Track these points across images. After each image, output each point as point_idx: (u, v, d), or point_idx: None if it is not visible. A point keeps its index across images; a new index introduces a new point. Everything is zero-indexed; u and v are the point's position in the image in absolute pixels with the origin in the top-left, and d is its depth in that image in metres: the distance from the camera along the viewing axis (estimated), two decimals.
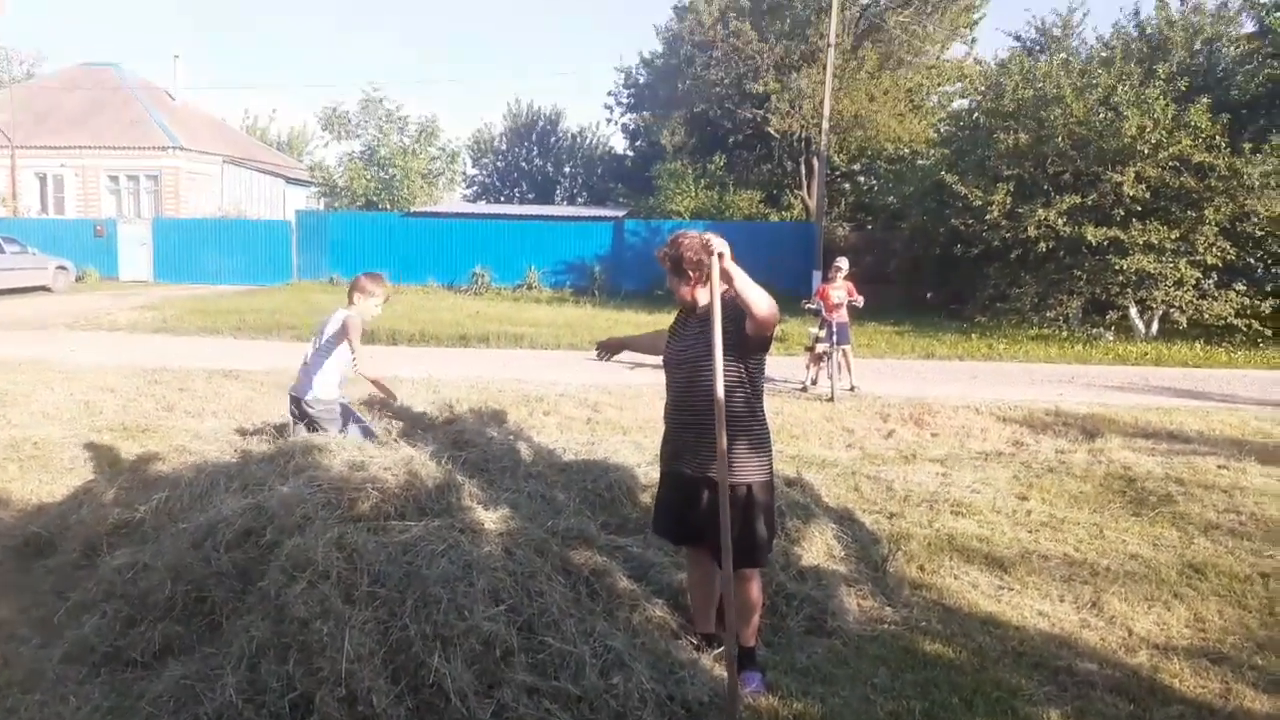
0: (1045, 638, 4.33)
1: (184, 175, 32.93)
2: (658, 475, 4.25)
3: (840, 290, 11.20)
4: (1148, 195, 16.77)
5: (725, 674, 3.78)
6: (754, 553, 3.76)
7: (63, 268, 25.38)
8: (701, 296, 3.79)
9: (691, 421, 3.77)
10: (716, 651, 3.95)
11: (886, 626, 4.41)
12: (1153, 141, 16.55)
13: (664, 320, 4.13)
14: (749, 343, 3.66)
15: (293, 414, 6.08)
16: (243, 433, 7.13)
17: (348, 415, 6.05)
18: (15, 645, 4.02)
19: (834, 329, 10.84)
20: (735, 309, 3.63)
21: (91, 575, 4.46)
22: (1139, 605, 4.70)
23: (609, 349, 4.48)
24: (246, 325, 16.73)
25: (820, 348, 11.01)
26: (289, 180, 40.21)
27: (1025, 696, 3.74)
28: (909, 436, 8.68)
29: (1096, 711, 3.64)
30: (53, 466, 6.84)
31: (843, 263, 11.55)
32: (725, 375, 3.58)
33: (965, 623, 4.47)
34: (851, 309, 11.30)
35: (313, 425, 5.86)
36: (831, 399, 10.33)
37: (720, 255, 3.42)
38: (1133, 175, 16.64)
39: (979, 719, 3.54)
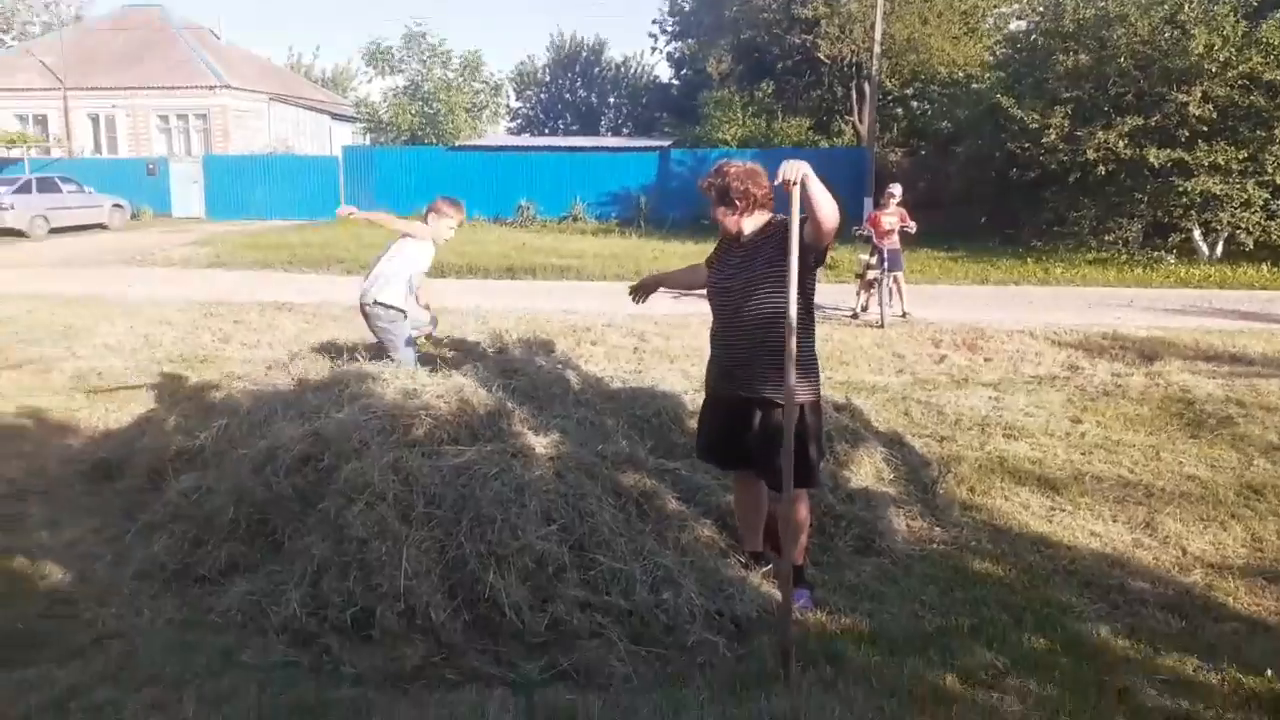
0: (1097, 557, 4.30)
1: (231, 113, 33.14)
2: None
3: (892, 216, 11.01)
4: (1214, 115, 16.13)
5: (773, 591, 3.83)
6: (808, 473, 3.77)
7: (118, 206, 25.87)
8: (747, 225, 3.75)
9: (741, 347, 3.75)
10: (765, 569, 4.00)
11: (936, 546, 4.42)
12: (1221, 60, 15.86)
13: (709, 251, 4.07)
14: (804, 255, 3.58)
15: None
16: (289, 359, 7.27)
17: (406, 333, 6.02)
18: (90, 562, 4.19)
19: (885, 255, 10.71)
20: (784, 237, 3.57)
21: (158, 498, 4.62)
22: (1194, 525, 4.64)
23: (644, 290, 4.46)
24: (297, 259, 16.96)
25: (871, 274, 10.89)
26: (334, 116, 40.28)
27: (1075, 613, 3.73)
28: (961, 362, 8.58)
29: (1147, 628, 3.63)
30: (117, 396, 7.06)
31: (895, 189, 11.34)
32: (774, 301, 3.58)
33: (1015, 542, 4.46)
34: (904, 235, 11.12)
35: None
36: (882, 325, 10.24)
37: (805, 177, 3.30)
38: (1199, 95, 15.99)
39: (1028, 634, 3.54)
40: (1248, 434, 6.06)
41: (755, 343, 3.69)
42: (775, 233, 3.68)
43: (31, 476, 5.35)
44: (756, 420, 3.75)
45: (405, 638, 3.33)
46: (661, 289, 4.51)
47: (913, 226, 11.17)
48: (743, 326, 3.72)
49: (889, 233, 10.87)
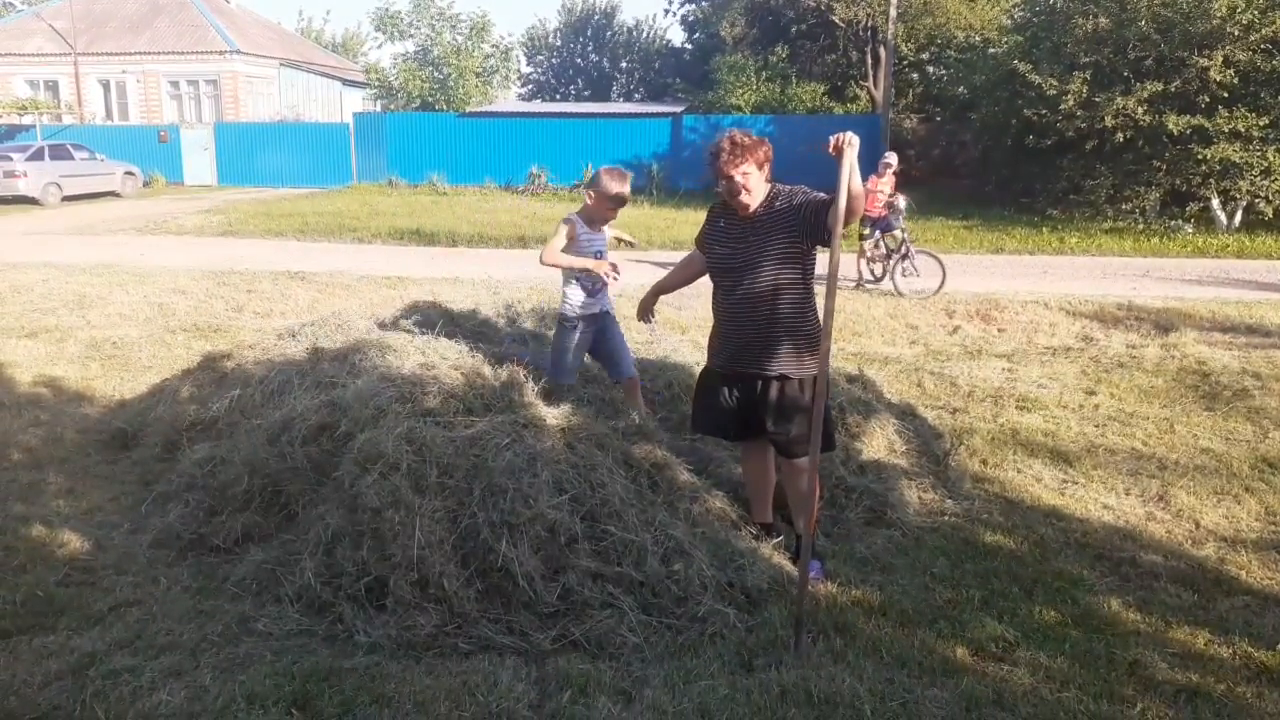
0: (1109, 530, 4.30)
1: (242, 79, 32.99)
2: None
3: (887, 185, 11.01)
4: (1236, 81, 15.85)
5: (784, 563, 3.84)
6: (827, 439, 3.83)
7: (130, 173, 25.88)
8: (756, 197, 3.67)
9: (749, 323, 3.72)
10: (775, 540, 4.01)
11: (947, 518, 4.42)
12: (1244, 22, 15.57)
13: None
14: (820, 234, 3.55)
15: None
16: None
17: (570, 334, 4.98)
18: (107, 531, 4.24)
19: (873, 223, 10.88)
20: (793, 213, 3.61)
21: (173, 468, 4.66)
22: (1208, 499, 4.63)
23: (646, 309, 4.43)
24: (309, 228, 16.95)
25: (867, 245, 11.03)
26: (345, 82, 40.06)
27: (1087, 586, 3.74)
28: (975, 332, 8.54)
29: (1159, 601, 3.63)
30: (132, 365, 7.10)
31: (891, 158, 11.38)
32: (783, 276, 3.61)
33: (1027, 515, 4.46)
34: (900, 202, 11.03)
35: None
36: (899, 294, 10.27)
37: (851, 144, 3.21)
38: (1221, 59, 15.72)
39: (1039, 607, 3.55)
40: (1263, 407, 6.02)
41: (764, 319, 3.67)
42: (780, 207, 3.66)
43: (49, 445, 5.40)
44: (770, 394, 3.74)
45: (418, 607, 3.36)
46: (662, 297, 4.43)
47: (900, 200, 11.05)
48: (750, 302, 3.70)
49: (877, 201, 10.90)
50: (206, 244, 15.50)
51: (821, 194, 3.61)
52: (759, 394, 3.77)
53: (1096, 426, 5.73)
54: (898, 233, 10.83)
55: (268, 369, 5.38)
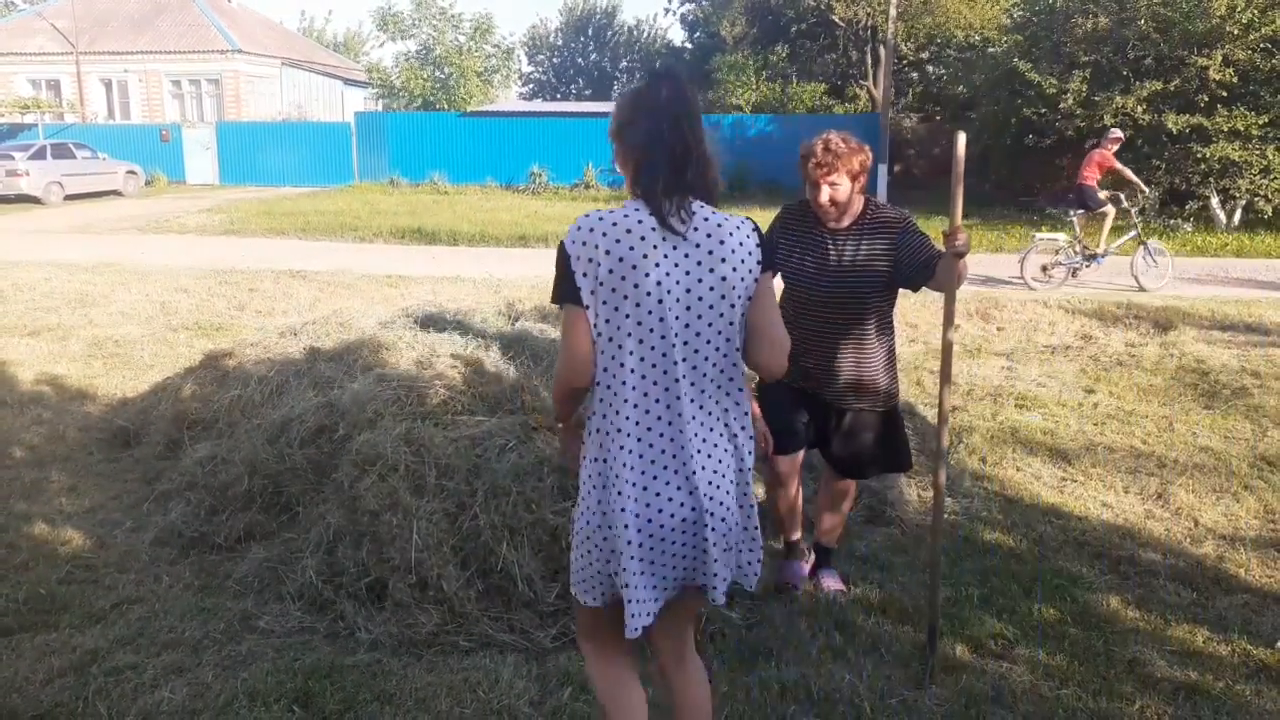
0: (1108, 528, 4.31)
1: (244, 79, 33.00)
2: None
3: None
4: (1235, 80, 15.84)
5: (783, 566, 3.85)
6: (909, 457, 3.70)
7: (132, 172, 25.88)
8: (842, 213, 3.33)
9: (827, 344, 3.40)
10: (807, 560, 3.85)
11: (947, 517, 4.42)
12: (1243, 22, 15.56)
13: None
14: (913, 284, 3.31)
15: None
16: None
17: None
18: (109, 529, 4.25)
19: (1079, 194, 11.48)
20: (895, 243, 3.30)
21: (175, 466, 4.68)
22: (1207, 497, 4.64)
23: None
24: (311, 227, 16.96)
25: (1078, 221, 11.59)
26: (347, 82, 40.06)
27: (1086, 584, 3.75)
28: (974, 331, 8.54)
29: (1158, 599, 3.64)
30: (134, 363, 7.12)
31: (1118, 133, 12.08)
32: (875, 302, 3.39)
33: (1026, 513, 4.47)
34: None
35: None
36: None
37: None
38: (1220, 58, 15.71)
39: (1038, 605, 3.56)
40: (1262, 405, 6.03)
41: (850, 343, 3.38)
42: (878, 224, 3.34)
43: (51, 443, 5.42)
44: (845, 421, 3.52)
45: (418, 608, 3.37)
46: None
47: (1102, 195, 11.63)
48: (836, 326, 3.39)
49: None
50: (208, 243, 15.52)
51: (932, 244, 3.29)
52: (826, 416, 3.54)
53: (1095, 425, 5.74)
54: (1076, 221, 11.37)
55: (268, 368, 5.40)
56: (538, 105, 37.87)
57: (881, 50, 26.35)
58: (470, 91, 32.44)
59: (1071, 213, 11.96)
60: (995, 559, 3.98)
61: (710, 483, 2.10)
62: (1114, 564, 3.95)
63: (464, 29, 34.13)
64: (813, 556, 3.87)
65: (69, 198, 23.23)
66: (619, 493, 2.07)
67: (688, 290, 2.06)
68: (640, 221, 2.05)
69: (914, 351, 7.73)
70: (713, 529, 2.09)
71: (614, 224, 2.05)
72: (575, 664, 3.12)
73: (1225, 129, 15.76)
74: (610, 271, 2.03)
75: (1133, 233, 11.57)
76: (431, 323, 5.99)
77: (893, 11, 23.27)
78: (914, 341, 8.16)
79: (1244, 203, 16.50)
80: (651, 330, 2.05)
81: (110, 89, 33.67)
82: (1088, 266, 11.30)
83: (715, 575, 2.12)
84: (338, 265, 12.21)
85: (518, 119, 27.85)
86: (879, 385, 3.45)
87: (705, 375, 2.11)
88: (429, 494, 3.66)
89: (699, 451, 2.10)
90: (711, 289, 2.07)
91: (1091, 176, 11.57)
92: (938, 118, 27.46)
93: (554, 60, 46.92)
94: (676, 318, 2.05)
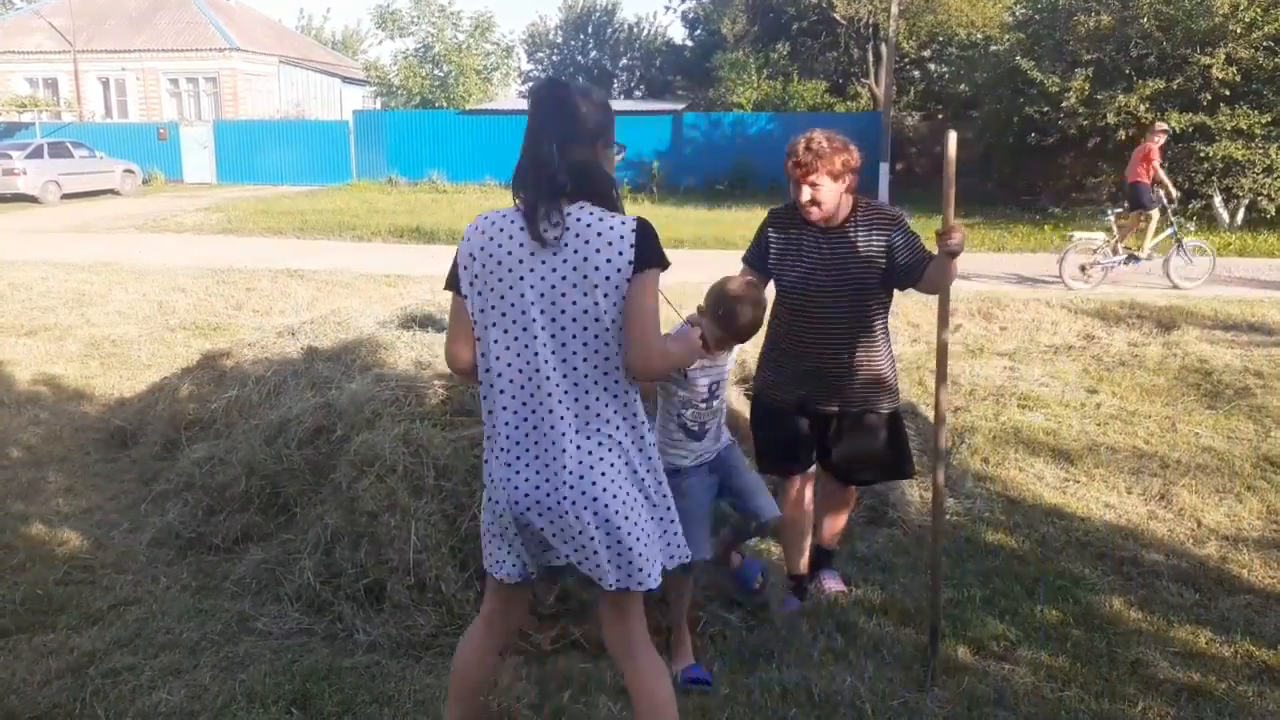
0: (1111, 529, 4.29)
1: (241, 77, 32.97)
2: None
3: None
4: (1238, 78, 15.84)
5: (779, 568, 3.82)
6: (911, 463, 3.64)
7: (129, 171, 25.86)
8: (825, 214, 3.24)
9: (828, 351, 3.32)
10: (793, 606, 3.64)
11: (949, 517, 4.40)
12: (1246, 20, 15.56)
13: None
14: (903, 284, 3.31)
15: None
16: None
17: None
18: (107, 530, 4.23)
19: (1133, 191, 11.50)
20: (887, 241, 3.25)
21: (172, 467, 4.66)
22: (1210, 497, 4.62)
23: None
24: (309, 226, 16.95)
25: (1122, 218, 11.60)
26: (345, 80, 40.03)
27: (1088, 585, 3.73)
28: (976, 331, 8.52)
29: (1161, 600, 3.62)
30: (131, 363, 7.10)
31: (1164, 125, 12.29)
32: (874, 301, 3.33)
33: (1029, 514, 4.45)
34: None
35: None
36: None
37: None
38: (1223, 57, 15.71)
39: (1040, 606, 3.54)
40: (1265, 405, 6.01)
41: (846, 347, 3.31)
42: (868, 224, 3.27)
43: (48, 444, 5.40)
44: (844, 429, 3.45)
45: (417, 609, 3.35)
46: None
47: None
48: (834, 329, 3.31)
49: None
50: (206, 242, 15.49)
51: (923, 246, 3.26)
52: (835, 428, 3.46)
53: (1098, 425, 5.72)
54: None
55: (266, 368, 5.37)
56: None
57: (883, 48, 26.34)
58: (469, 90, 32.44)
59: (1110, 211, 11.86)
60: (998, 560, 3.96)
61: (584, 478, 2.15)
62: (1117, 565, 3.93)
63: (463, 27, 34.15)
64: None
65: (66, 197, 23.20)
66: (487, 463, 2.26)
67: (552, 288, 2.14)
68: (512, 222, 2.20)
69: (916, 351, 7.71)
70: (587, 521, 2.15)
71: (491, 224, 2.22)
72: (575, 666, 3.10)
73: (1228, 128, 15.76)
74: (483, 267, 2.20)
75: (1170, 230, 11.44)
76: (430, 322, 5.96)
77: (894, 9, 23.23)
78: (916, 341, 8.13)
79: (1247, 202, 16.49)
80: (517, 325, 2.17)
81: (107, 87, 33.64)
82: (1127, 266, 11.22)
83: (600, 566, 2.19)
84: (335, 264, 12.19)
85: (517, 117, 27.78)
86: (878, 386, 3.41)
87: (580, 372, 2.17)
88: (427, 495, 3.63)
89: (573, 445, 2.16)
90: (575, 287, 2.13)
91: (1144, 173, 11.46)
92: (940, 116, 27.40)
93: (554, 58, 46.82)
94: (542, 315, 2.15)
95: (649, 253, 2.15)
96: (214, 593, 3.65)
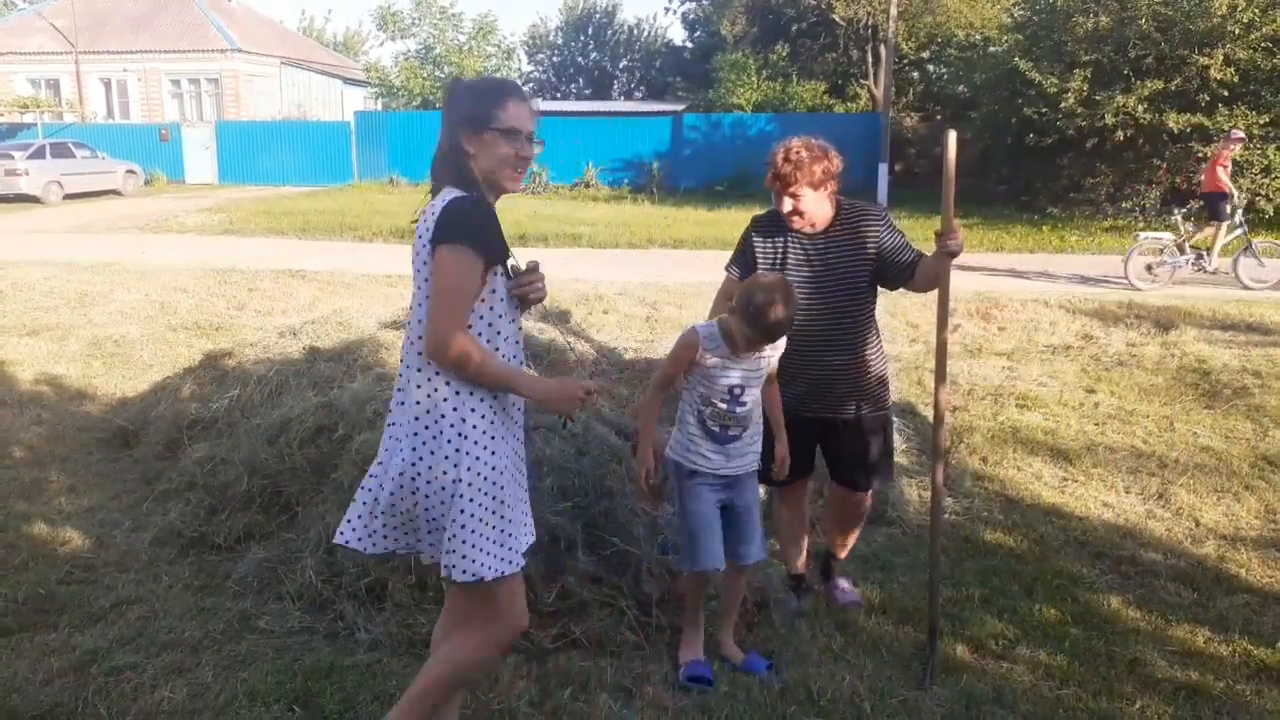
0: (1109, 528, 4.30)
1: (243, 78, 32.99)
2: None
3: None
4: (1236, 79, 15.86)
5: (781, 580, 3.83)
6: (891, 467, 3.63)
7: (132, 171, 25.89)
8: (824, 213, 3.24)
9: (824, 357, 3.29)
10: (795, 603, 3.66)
11: (947, 517, 4.41)
12: (1244, 21, 15.58)
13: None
14: (892, 284, 3.32)
15: None
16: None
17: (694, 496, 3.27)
18: (109, 529, 4.24)
19: (1207, 200, 11.60)
20: (875, 244, 3.25)
21: (174, 466, 4.67)
22: (1208, 497, 4.63)
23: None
24: (310, 227, 16.96)
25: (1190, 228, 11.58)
26: (346, 81, 40.05)
27: (1086, 584, 3.74)
28: (975, 330, 8.53)
29: (1159, 599, 3.63)
30: (134, 363, 7.11)
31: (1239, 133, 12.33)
32: (864, 302, 3.32)
33: (1027, 513, 4.47)
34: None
35: None
36: None
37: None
38: (1221, 58, 15.73)
39: (1039, 605, 3.55)
40: (1263, 405, 6.02)
41: (843, 351, 3.30)
42: (854, 226, 3.27)
43: (51, 443, 5.41)
44: (844, 434, 3.41)
45: (418, 608, 3.36)
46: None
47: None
48: (827, 334, 3.28)
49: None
50: (208, 242, 15.50)
51: (910, 244, 3.29)
52: (831, 436, 3.44)
53: (1096, 424, 5.74)
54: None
55: (268, 368, 5.39)
56: (537, 105, 37.78)
57: (882, 49, 26.37)
58: None
59: (1176, 211, 11.83)
60: (996, 559, 3.98)
61: (388, 452, 2.30)
62: (1115, 564, 3.95)
63: (464, 28, 34.19)
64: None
65: (68, 197, 23.23)
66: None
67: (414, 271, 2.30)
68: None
69: (915, 351, 7.72)
70: (400, 499, 2.28)
71: None
72: (575, 664, 3.12)
73: (1226, 128, 15.76)
74: None
75: (1239, 230, 11.41)
76: None
77: (893, 10, 23.27)
78: (915, 341, 8.15)
79: (1245, 202, 16.50)
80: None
81: (109, 88, 33.67)
82: (1195, 269, 11.12)
83: (420, 542, 2.37)
84: (337, 265, 12.20)
85: None
86: (876, 386, 3.42)
87: (415, 349, 2.28)
88: None
89: (391, 423, 2.33)
90: (416, 270, 2.28)
91: (1225, 184, 11.38)
92: (939, 117, 27.47)
93: (554, 59, 46.86)
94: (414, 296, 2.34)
95: (446, 229, 2.17)
96: (216, 591, 3.67)
